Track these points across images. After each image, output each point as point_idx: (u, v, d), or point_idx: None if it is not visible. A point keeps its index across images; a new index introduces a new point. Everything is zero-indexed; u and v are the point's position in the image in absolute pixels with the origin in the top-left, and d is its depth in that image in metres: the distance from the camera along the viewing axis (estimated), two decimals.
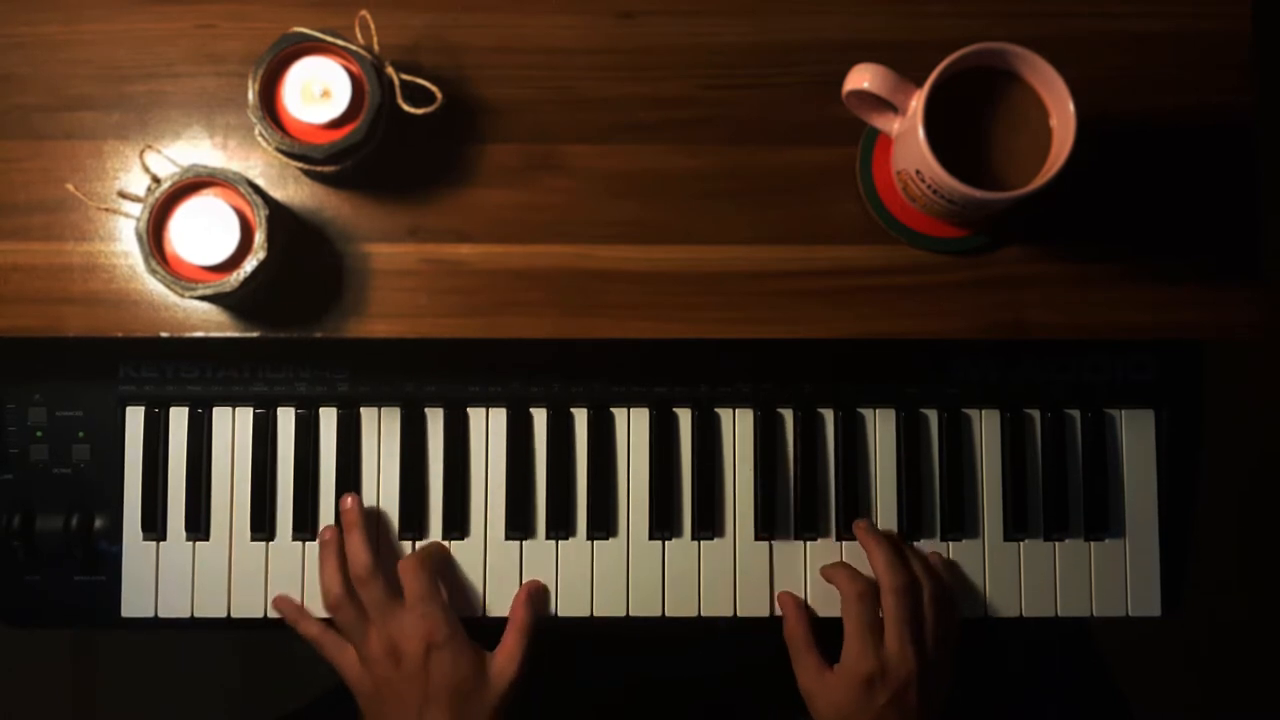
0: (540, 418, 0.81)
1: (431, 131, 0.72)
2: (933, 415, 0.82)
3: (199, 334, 0.72)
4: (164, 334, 0.72)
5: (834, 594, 0.78)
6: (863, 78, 0.66)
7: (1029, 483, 0.81)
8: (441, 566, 0.79)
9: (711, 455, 0.81)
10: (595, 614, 0.80)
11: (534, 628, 0.77)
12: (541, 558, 0.80)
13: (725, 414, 0.81)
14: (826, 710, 0.74)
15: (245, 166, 0.73)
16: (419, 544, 0.80)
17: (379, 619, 0.75)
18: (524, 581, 0.79)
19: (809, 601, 0.80)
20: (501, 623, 0.79)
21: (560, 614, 0.80)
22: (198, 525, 0.79)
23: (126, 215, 0.70)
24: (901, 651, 0.74)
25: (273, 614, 0.79)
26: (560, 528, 0.80)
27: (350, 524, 0.77)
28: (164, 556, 0.79)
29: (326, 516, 0.80)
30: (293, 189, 0.73)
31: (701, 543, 0.81)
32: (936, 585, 0.77)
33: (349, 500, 0.78)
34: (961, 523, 0.81)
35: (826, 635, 0.77)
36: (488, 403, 0.81)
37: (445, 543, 0.80)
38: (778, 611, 0.79)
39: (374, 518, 0.80)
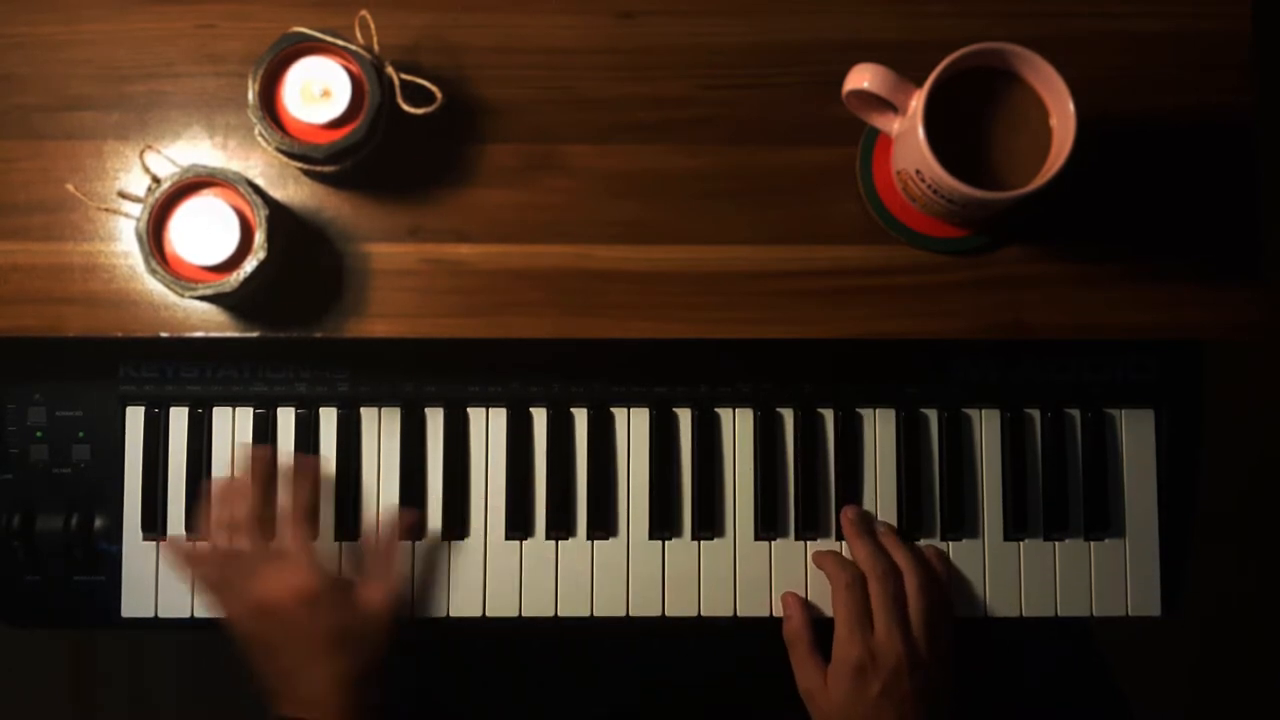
0: (540, 418, 0.81)
1: (431, 131, 0.72)
2: (933, 415, 0.82)
3: (199, 334, 0.72)
4: (164, 334, 0.72)
5: (829, 594, 0.78)
6: (863, 78, 0.66)
7: (1029, 482, 0.81)
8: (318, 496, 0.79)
9: (711, 455, 0.81)
10: (595, 614, 0.80)
11: (400, 561, 0.77)
12: (541, 558, 0.80)
13: (725, 414, 0.81)
14: (825, 710, 0.75)
15: (245, 166, 0.73)
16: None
17: (258, 570, 0.74)
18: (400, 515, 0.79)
19: (809, 600, 0.80)
20: (502, 623, 0.79)
21: (560, 614, 0.80)
22: (198, 526, 0.79)
23: (126, 215, 0.70)
24: (889, 638, 0.74)
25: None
26: (560, 528, 0.80)
27: (254, 475, 0.77)
28: (164, 557, 0.79)
29: (326, 517, 0.80)
30: (293, 189, 0.73)
31: (701, 543, 0.81)
32: (924, 574, 0.77)
33: (259, 450, 0.78)
34: (961, 522, 0.81)
35: (824, 636, 0.77)
36: (488, 403, 0.81)
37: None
38: (778, 612, 0.79)
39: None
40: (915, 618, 0.75)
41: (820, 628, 0.78)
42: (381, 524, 0.79)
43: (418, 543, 0.80)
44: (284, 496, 0.77)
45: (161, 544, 0.79)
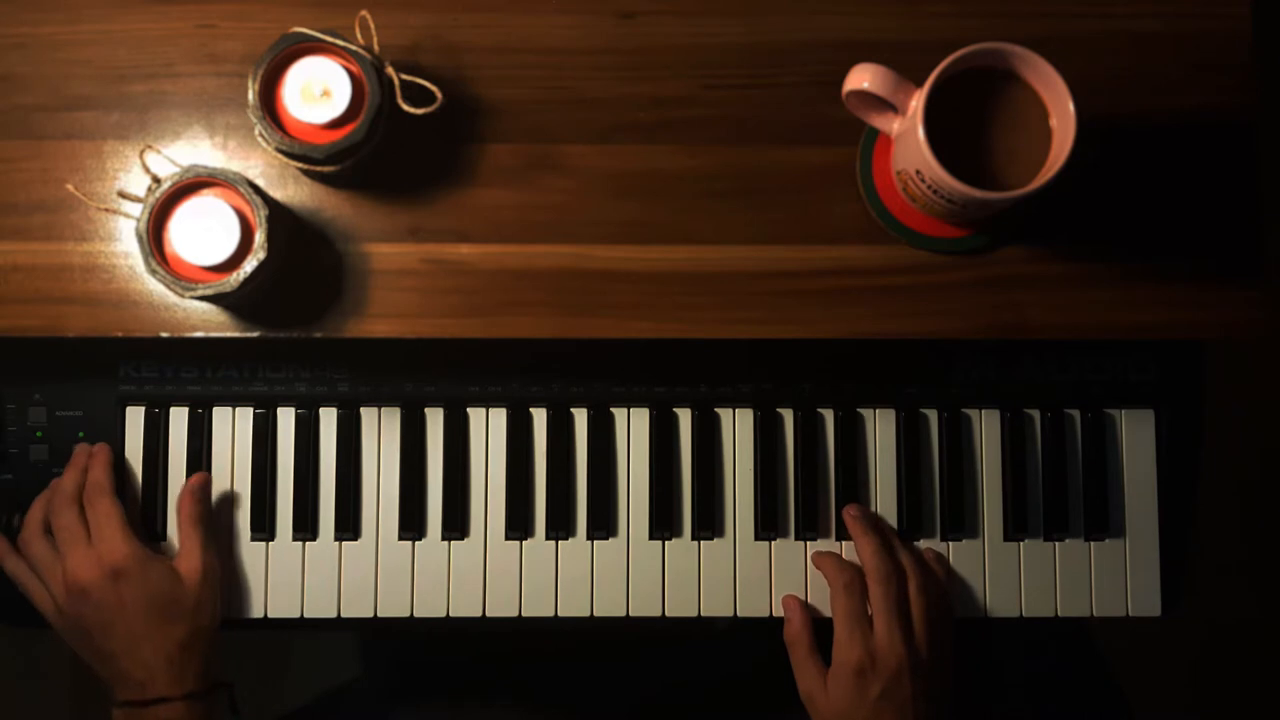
0: (540, 418, 0.81)
1: (431, 131, 0.72)
2: (933, 415, 0.82)
3: (199, 334, 0.72)
4: (164, 334, 0.72)
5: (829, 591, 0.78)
6: (863, 78, 0.66)
7: (1029, 483, 0.81)
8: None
9: (711, 455, 0.81)
10: (595, 614, 0.80)
11: (204, 520, 0.76)
12: (541, 558, 0.80)
13: (725, 414, 0.81)
14: (825, 711, 0.74)
15: (245, 166, 0.73)
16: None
17: (65, 553, 0.73)
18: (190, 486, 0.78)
19: (809, 601, 0.80)
20: (504, 623, 0.79)
21: (560, 614, 0.80)
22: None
23: (126, 215, 0.70)
24: (889, 639, 0.74)
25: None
26: (560, 528, 0.80)
27: (74, 462, 0.76)
28: None
29: (327, 517, 0.80)
30: (293, 189, 0.73)
31: (701, 543, 0.81)
32: (924, 576, 0.77)
33: (100, 448, 0.77)
34: (961, 523, 0.81)
35: (825, 638, 0.77)
36: (488, 403, 0.81)
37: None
38: (778, 612, 0.79)
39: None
40: (916, 620, 0.75)
41: (821, 630, 0.77)
42: (182, 492, 0.77)
43: (417, 543, 0.80)
44: (83, 476, 0.76)
45: None
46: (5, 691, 1.48)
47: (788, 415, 0.81)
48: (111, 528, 0.73)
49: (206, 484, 0.78)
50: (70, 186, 0.71)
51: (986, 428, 0.82)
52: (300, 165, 0.70)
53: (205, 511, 0.77)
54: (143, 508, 0.79)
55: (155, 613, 0.72)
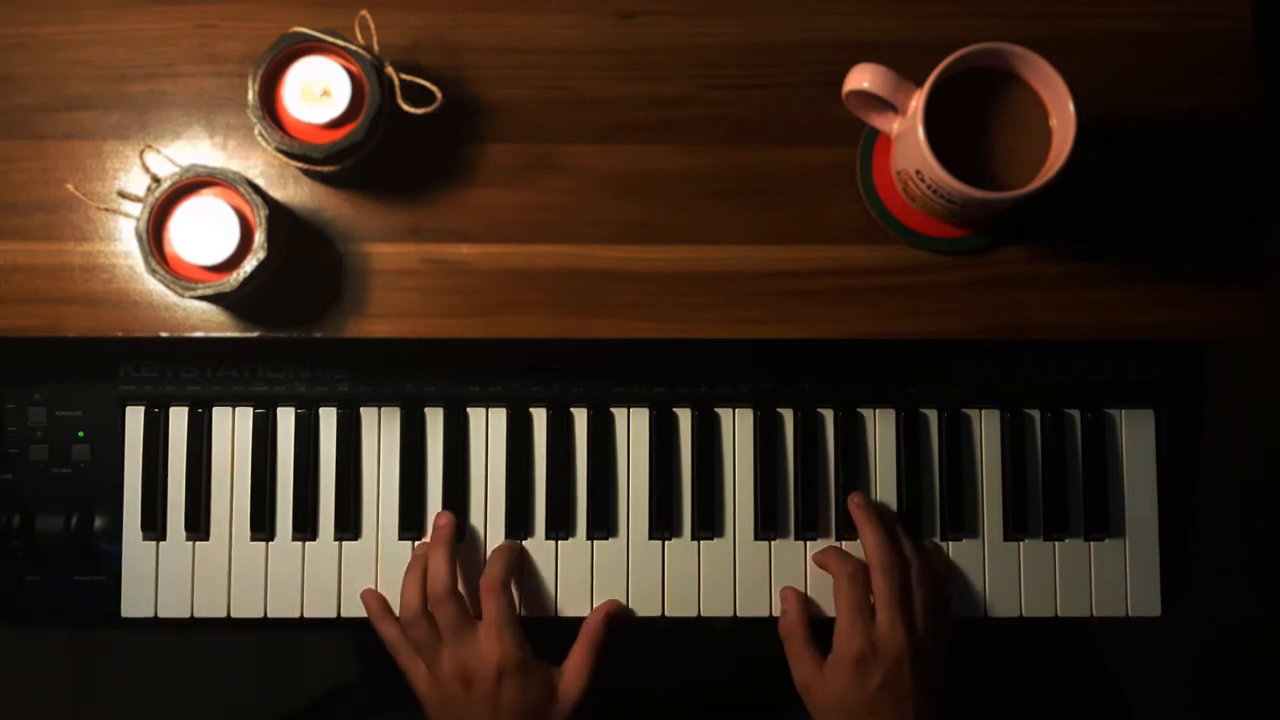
0: (540, 418, 0.81)
1: (431, 131, 0.72)
2: (933, 415, 0.82)
3: (199, 334, 0.72)
4: (164, 334, 0.72)
5: (830, 593, 0.78)
6: (863, 78, 0.66)
7: (1029, 483, 0.81)
8: (517, 568, 0.79)
9: (711, 455, 0.81)
10: None
11: (605, 645, 0.77)
12: (541, 558, 0.80)
13: (725, 414, 0.81)
14: (823, 701, 0.74)
15: (245, 166, 0.73)
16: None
17: (452, 640, 0.74)
18: (604, 600, 0.79)
19: (809, 598, 0.80)
20: None
21: (560, 614, 0.80)
22: (197, 525, 0.79)
23: (126, 215, 0.70)
24: (892, 629, 0.74)
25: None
26: (560, 528, 0.80)
27: (438, 541, 0.77)
28: (164, 556, 0.80)
29: (326, 516, 0.80)
30: (293, 189, 0.73)
31: (701, 543, 0.81)
32: (924, 565, 0.77)
33: (443, 518, 0.78)
34: (961, 522, 0.81)
35: (822, 634, 0.77)
36: (488, 403, 0.81)
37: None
38: (777, 611, 0.79)
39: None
40: (919, 610, 0.75)
41: (817, 626, 0.77)
42: (591, 616, 0.78)
43: (418, 543, 0.80)
44: (450, 566, 0.76)
45: (366, 596, 0.78)
46: (5, 691, 1.48)
47: (788, 415, 0.81)
48: (506, 628, 0.74)
49: (620, 616, 0.79)
50: (70, 186, 0.71)
51: (986, 428, 0.82)
52: (300, 165, 0.70)
53: (606, 640, 0.78)
54: (142, 508, 0.79)
55: (525, 719, 0.73)
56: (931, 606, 0.76)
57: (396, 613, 0.77)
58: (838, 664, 0.74)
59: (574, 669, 0.76)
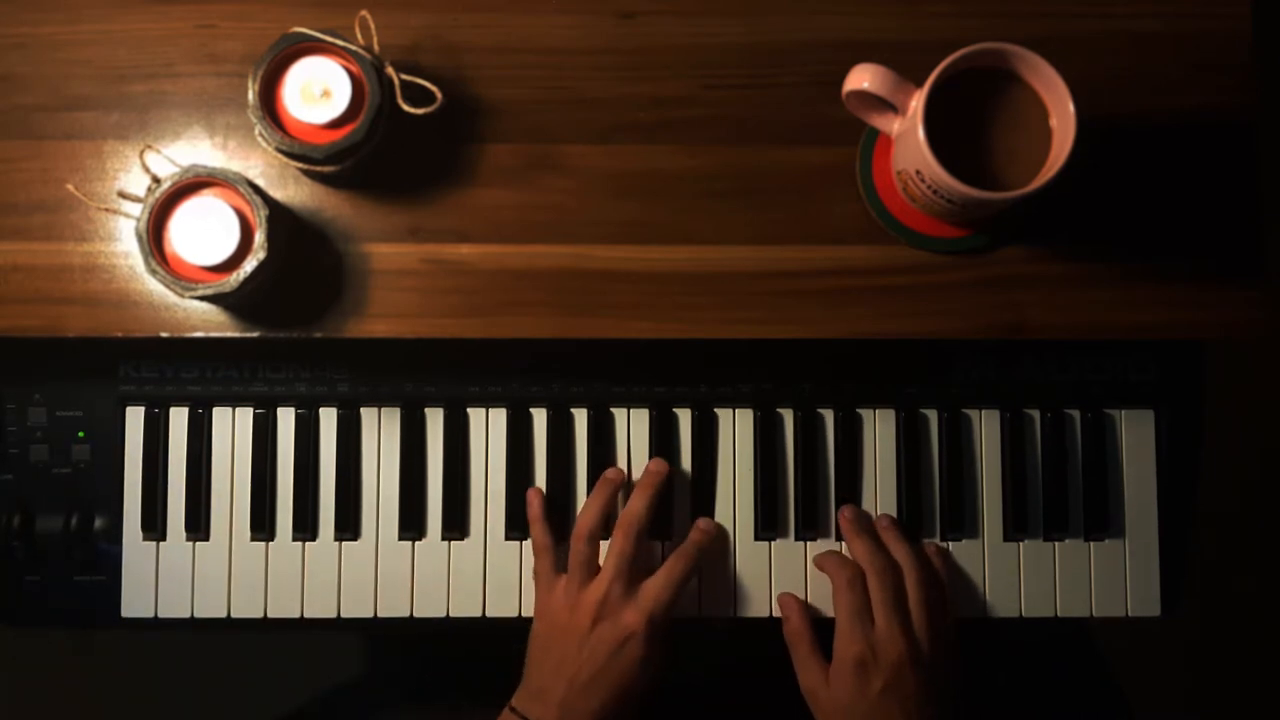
0: (540, 418, 0.81)
1: (431, 131, 0.72)
2: (933, 415, 0.82)
3: (199, 334, 0.72)
4: (164, 334, 0.72)
5: (829, 593, 0.78)
6: (863, 78, 0.66)
7: (1029, 483, 0.81)
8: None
9: (711, 455, 0.81)
10: None
11: (698, 562, 0.78)
12: None
13: (725, 414, 0.81)
14: (828, 707, 0.74)
15: (245, 166, 0.73)
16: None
17: (619, 576, 0.75)
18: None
19: (809, 601, 0.80)
20: (502, 623, 0.79)
21: None
22: (198, 525, 0.79)
23: (126, 215, 0.70)
24: (889, 632, 0.74)
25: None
26: (560, 527, 0.80)
27: (647, 485, 0.78)
28: (164, 556, 0.80)
29: (326, 516, 0.80)
30: (293, 189, 0.73)
31: None
32: (922, 569, 0.77)
33: (658, 464, 0.79)
34: (961, 523, 0.81)
35: (825, 635, 0.77)
36: (488, 403, 0.81)
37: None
38: (777, 612, 0.79)
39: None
40: (916, 613, 0.75)
41: (821, 628, 0.77)
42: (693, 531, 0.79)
43: (417, 543, 0.80)
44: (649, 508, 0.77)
45: (531, 495, 0.79)
46: (5, 691, 1.48)
47: (788, 415, 0.81)
48: (670, 592, 0.75)
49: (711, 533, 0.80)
50: (70, 186, 0.71)
51: (986, 428, 0.82)
52: (300, 165, 0.70)
53: (698, 557, 0.78)
54: (143, 508, 0.79)
55: (619, 690, 0.73)
56: (931, 610, 0.76)
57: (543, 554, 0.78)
58: (840, 669, 0.74)
59: (663, 573, 0.76)
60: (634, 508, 0.77)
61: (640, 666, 0.74)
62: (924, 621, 0.75)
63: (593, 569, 0.76)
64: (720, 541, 0.80)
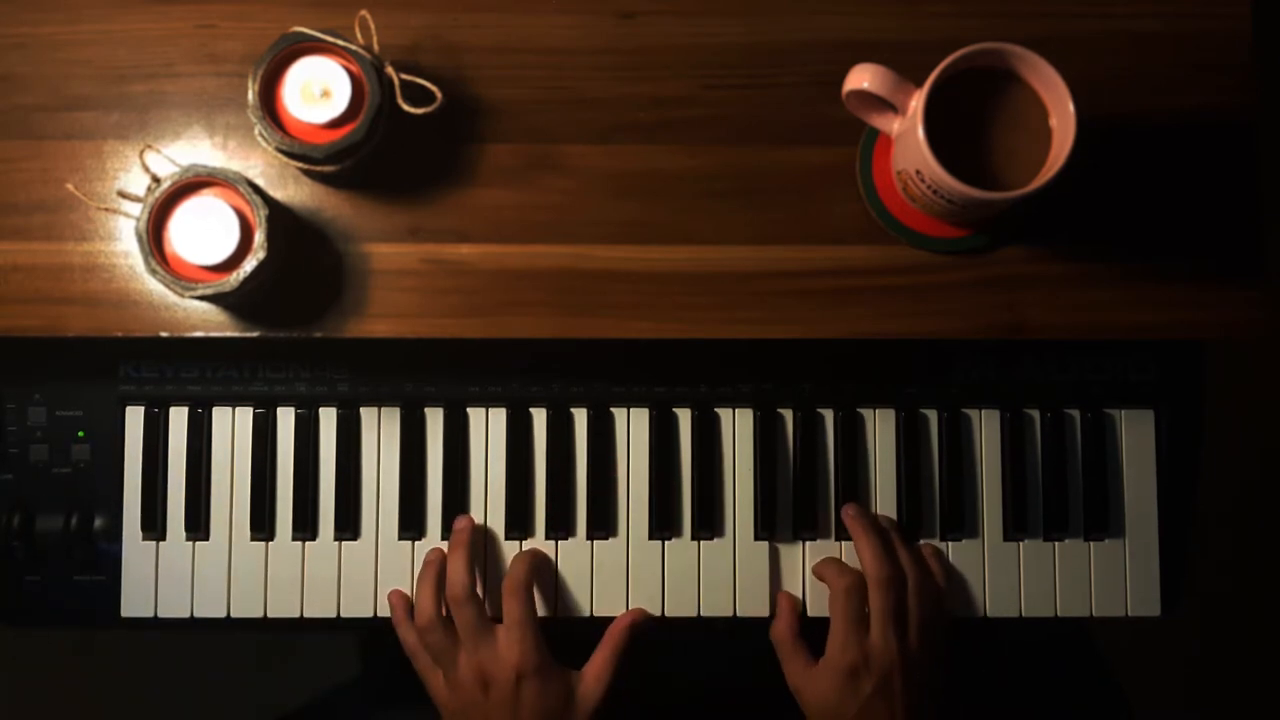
0: (540, 418, 0.81)
1: (431, 131, 0.72)
2: (933, 415, 0.82)
3: (199, 334, 0.73)
4: (164, 334, 0.72)
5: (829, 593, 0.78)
6: (863, 78, 0.66)
7: (1029, 483, 0.81)
8: (541, 573, 0.79)
9: (711, 455, 0.81)
10: (595, 614, 0.80)
11: (627, 652, 0.77)
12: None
13: (725, 414, 0.81)
14: (815, 703, 0.75)
15: (245, 166, 0.73)
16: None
17: (470, 644, 0.74)
18: (631, 608, 0.79)
19: (807, 601, 0.80)
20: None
21: (560, 614, 0.80)
22: (197, 525, 0.79)
23: (126, 215, 0.70)
24: (885, 642, 0.74)
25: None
26: (560, 528, 0.80)
27: (457, 545, 0.77)
28: (164, 556, 0.80)
29: (326, 516, 0.80)
30: (293, 189, 0.73)
31: (701, 543, 0.81)
32: (922, 576, 0.77)
33: (463, 521, 0.78)
34: (961, 523, 0.81)
35: (819, 633, 0.77)
36: (488, 403, 0.81)
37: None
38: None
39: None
40: (912, 622, 0.75)
41: (810, 626, 0.77)
42: (616, 622, 0.78)
43: (417, 542, 0.80)
44: (470, 568, 0.76)
45: (392, 597, 0.78)
46: (5, 691, 1.48)
47: (788, 415, 0.81)
48: (527, 631, 0.74)
49: (645, 625, 0.79)
50: (70, 186, 0.71)
51: (986, 428, 0.82)
52: (300, 165, 0.70)
53: (629, 647, 0.77)
54: (143, 508, 0.79)
55: None
56: (927, 619, 0.76)
57: None
58: (831, 673, 0.74)
59: (594, 674, 0.76)
60: (455, 576, 0.75)
61: (543, 697, 0.73)
62: (918, 630, 0.75)
63: (484, 626, 0.75)
64: (720, 541, 0.80)
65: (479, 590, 0.76)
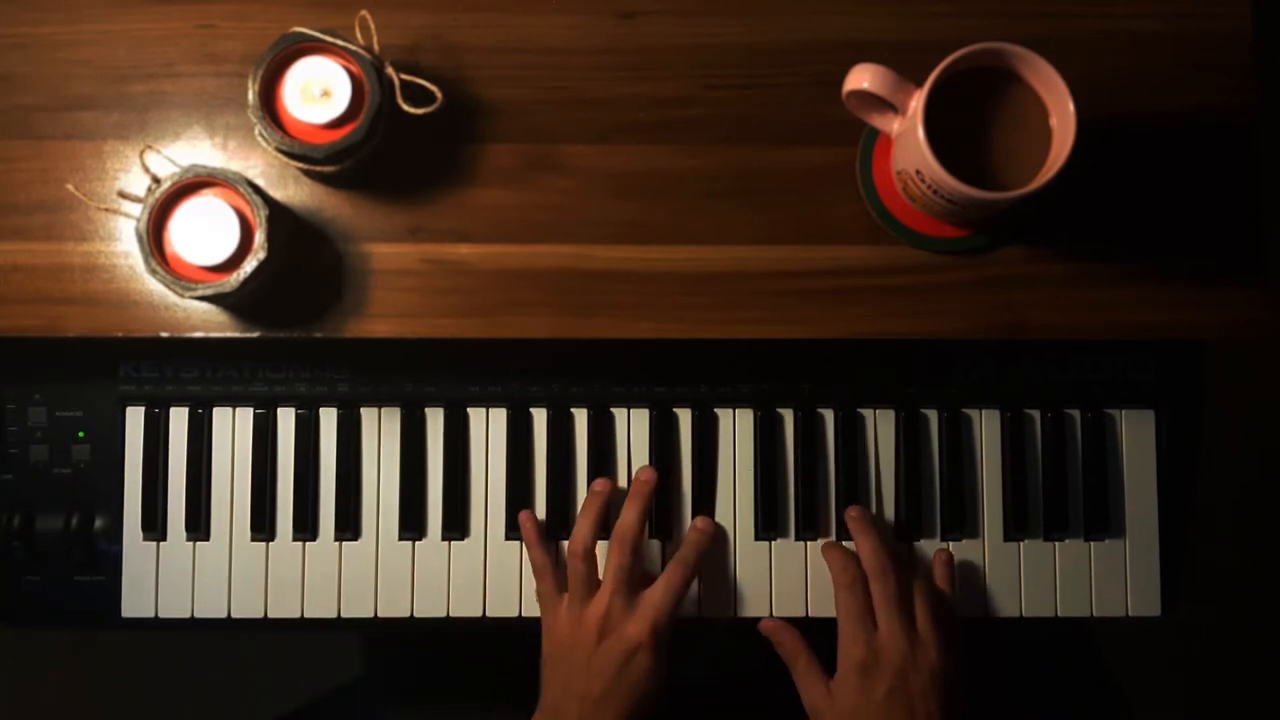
0: (540, 418, 0.81)
1: (431, 131, 0.72)
2: (933, 415, 0.82)
3: (199, 334, 0.73)
4: (164, 334, 0.72)
5: (830, 593, 0.77)
6: (863, 78, 0.66)
7: (1029, 483, 0.81)
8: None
9: (711, 455, 0.81)
10: None
11: (698, 564, 0.78)
12: None
13: (725, 414, 0.81)
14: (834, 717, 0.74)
15: (245, 166, 0.73)
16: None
17: (618, 591, 0.75)
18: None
19: (808, 602, 0.80)
20: (502, 623, 0.79)
21: None
22: (198, 525, 0.79)
23: (126, 215, 0.70)
24: (892, 634, 0.74)
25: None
26: (560, 528, 0.80)
27: (636, 495, 0.78)
28: (164, 556, 0.80)
29: (326, 516, 0.80)
30: (293, 189, 0.73)
31: None
32: (926, 577, 0.77)
33: (646, 473, 0.79)
34: (961, 523, 0.81)
35: (827, 636, 0.77)
36: (488, 403, 0.81)
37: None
38: (778, 612, 0.79)
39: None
40: (920, 615, 0.75)
41: (814, 631, 0.77)
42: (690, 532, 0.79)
43: (418, 543, 0.80)
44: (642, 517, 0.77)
45: (523, 518, 0.79)
46: (5, 691, 1.48)
47: (788, 415, 0.81)
48: (671, 606, 0.75)
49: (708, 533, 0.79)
50: (70, 186, 0.71)
51: (986, 428, 0.82)
52: (300, 165, 0.70)
53: (700, 558, 0.78)
54: (143, 508, 0.79)
55: (633, 701, 0.73)
56: (936, 612, 0.75)
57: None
58: (844, 679, 0.74)
59: (662, 581, 0.76)
60: (626, 520, 0.77)
61: (650, 676, 0.74)
62: (928, 624, 0.75)
63: (592, 585, 0.76)
64: (720, 542, 0.80)
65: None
